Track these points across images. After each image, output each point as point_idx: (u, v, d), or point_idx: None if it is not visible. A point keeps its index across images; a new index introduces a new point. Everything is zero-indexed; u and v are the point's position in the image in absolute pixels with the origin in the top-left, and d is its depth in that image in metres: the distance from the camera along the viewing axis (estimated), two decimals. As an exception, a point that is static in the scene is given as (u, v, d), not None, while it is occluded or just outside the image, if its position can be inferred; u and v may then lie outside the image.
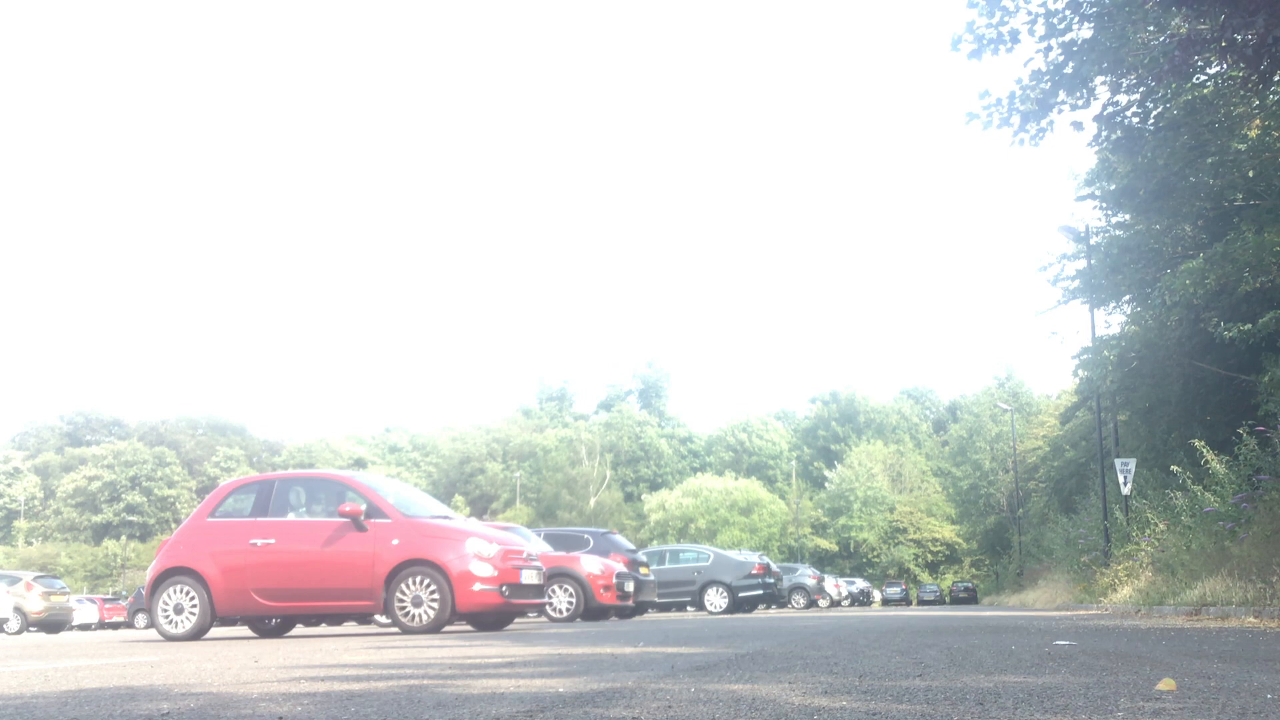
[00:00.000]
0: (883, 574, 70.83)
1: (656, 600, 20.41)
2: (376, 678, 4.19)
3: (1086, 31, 12.25)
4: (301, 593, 10.03)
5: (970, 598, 55.09)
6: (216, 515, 10.62)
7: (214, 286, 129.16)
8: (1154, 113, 14.14)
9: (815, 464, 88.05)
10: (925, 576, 71.07)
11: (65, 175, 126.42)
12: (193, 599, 10.17)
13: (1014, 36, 11.95)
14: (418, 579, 9.74)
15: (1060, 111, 12.58)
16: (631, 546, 19.06)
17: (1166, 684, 3.35)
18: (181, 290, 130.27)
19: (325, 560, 9.95)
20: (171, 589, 10.24)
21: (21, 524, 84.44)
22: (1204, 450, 14.43)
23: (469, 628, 11.23)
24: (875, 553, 75.09)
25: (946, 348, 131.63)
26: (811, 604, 33.86)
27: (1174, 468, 16.12)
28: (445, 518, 10.67)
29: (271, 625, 11.58)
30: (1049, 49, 12.14)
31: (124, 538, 79.48)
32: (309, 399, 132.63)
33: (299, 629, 13.47)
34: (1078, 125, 12.80)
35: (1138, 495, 19.35)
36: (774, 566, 26.95)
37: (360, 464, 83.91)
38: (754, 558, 25.24)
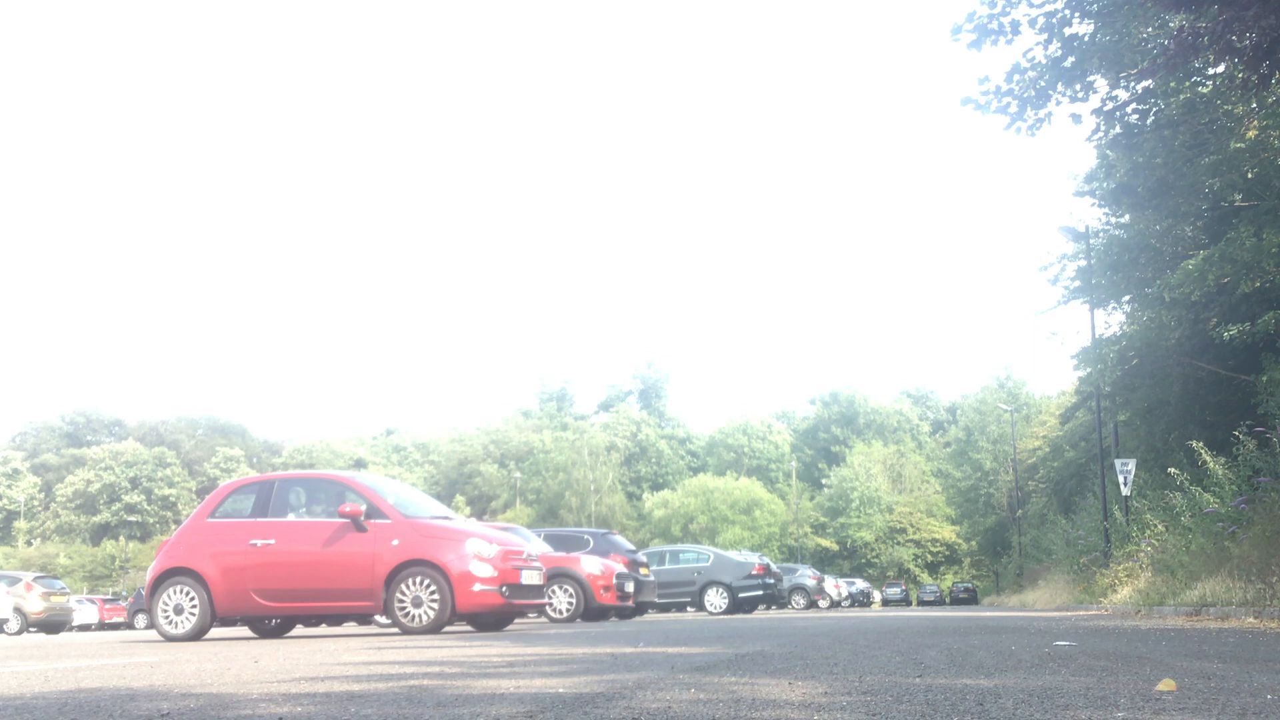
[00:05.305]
0: (882, 574, 70.80)
1: (656, 601, 20.39)
2: (377, 678, 4.18)
3: (1087, 27, 12.24)
4: (301, 593, 10.03)
5: (970, 598, 55.07)
6: (216, 516, 10.62)
7: (214, 286, 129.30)
8: (1152, 111, 14.13)
9: (818, 465, 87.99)
10: (925, 577, 71.08)
11: (65, 175, 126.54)
12: (193, 599, 10.17)
13: (1014, 28, 11.93)
14: (418, 579, 9.73)
15: (1059, 103, 12.57)
16: (631, 547, 19.04)
17: (1167, 684, 3.34)
18: (181, 290, 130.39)
19: (325, 561, 9.95)
20: (171, 589, 10.24)
21: (21, 524, 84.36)
22: (1202, 452, 14.44)
23: (469, 628, 11.22)
24: (875, 553, 75.04)
25: (946, 348, 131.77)
26: (811, 604, 33.85)
27: (1172, 470, 16.11)
28: (445, 518, 10.67)
29: (271, 626, 11.57)
30: (1049, 41, 12.13)
31: (124, 538, 79.42)
32: (309, 400, 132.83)
33: (299, 629, 13.46)
34: (1075, 118, 12.78)
35: (1137, 496, 19.34)
36: (774, 567, 26.94)
37: (360, 464, 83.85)
38: (754, 558, 25.21)
